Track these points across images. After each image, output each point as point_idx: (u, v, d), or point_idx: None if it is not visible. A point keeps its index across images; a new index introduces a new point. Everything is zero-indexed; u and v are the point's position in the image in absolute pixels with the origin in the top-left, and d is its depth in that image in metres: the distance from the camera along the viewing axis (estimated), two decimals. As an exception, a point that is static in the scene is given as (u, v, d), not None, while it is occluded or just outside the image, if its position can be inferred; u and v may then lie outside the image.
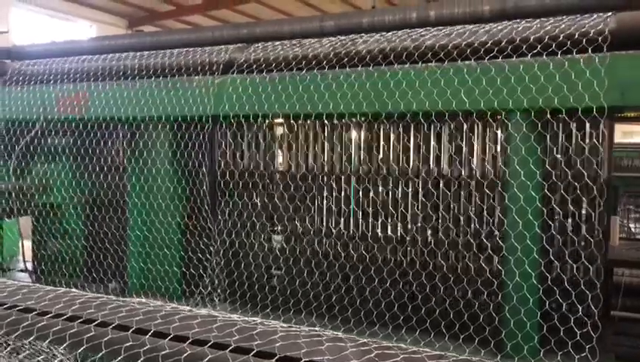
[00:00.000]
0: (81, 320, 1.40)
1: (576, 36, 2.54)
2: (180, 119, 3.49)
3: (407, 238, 3.30)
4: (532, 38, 2.67)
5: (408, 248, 3.30)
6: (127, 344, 1.28)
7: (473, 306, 3.05)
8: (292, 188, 3.52)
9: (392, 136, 3.38)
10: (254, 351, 1.25)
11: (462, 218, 3.19)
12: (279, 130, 3.75)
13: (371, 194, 3.40)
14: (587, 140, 2.95)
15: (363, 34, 3.24)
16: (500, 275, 2.86)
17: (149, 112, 3.49)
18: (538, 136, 2.69)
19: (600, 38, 2.48)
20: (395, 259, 3.32)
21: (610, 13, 2.65)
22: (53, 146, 4.18)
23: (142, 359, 1.26)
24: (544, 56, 2.57)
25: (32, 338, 1.41)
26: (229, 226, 3.64)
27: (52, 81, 3.89)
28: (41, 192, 4.13)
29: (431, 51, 2.87)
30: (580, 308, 2.68)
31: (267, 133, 3.70)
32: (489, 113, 2.75)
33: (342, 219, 3.48)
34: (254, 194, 3.66)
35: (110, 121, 3.70)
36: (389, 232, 3.36)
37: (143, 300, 1.62)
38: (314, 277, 3.36)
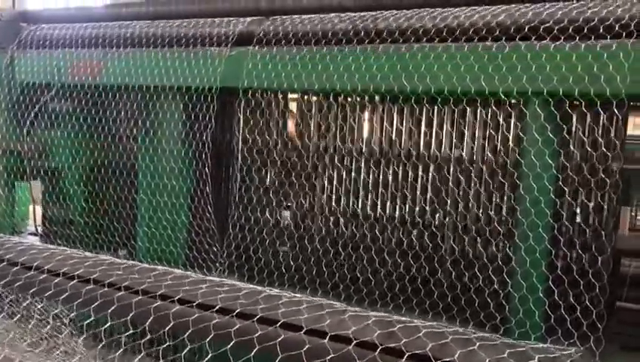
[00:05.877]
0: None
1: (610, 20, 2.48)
2: (191, 90, 3.47)
3: (415, 220, 3.29)
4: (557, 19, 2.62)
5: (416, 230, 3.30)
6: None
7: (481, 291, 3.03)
8: (301, 164, 3.49)
9: (404, 116, 3.35)
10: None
11: (470, 202, 3.18)
12: (291, 106, 3.73)
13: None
14: (604, 129, 2.92)
15: (383, 11, 3.19)
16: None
17: (161, 82, 3.48)
18: (556, 123, 2.65)
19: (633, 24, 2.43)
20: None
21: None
22: (62, 111, 4.17)
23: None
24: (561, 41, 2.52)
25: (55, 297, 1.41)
26: (239, 200, 3.63)
27: (65, 47, 3.88)
28: (49, 157, 4.12)
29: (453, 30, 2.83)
30: (587, 297, 2.67)
31: (279, 108, 3.67)
32: (509, 96, 2.72)
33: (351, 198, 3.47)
34: (265, 168, 3.65)
35: (121, 89, 3.69)
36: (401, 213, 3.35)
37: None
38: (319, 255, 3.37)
